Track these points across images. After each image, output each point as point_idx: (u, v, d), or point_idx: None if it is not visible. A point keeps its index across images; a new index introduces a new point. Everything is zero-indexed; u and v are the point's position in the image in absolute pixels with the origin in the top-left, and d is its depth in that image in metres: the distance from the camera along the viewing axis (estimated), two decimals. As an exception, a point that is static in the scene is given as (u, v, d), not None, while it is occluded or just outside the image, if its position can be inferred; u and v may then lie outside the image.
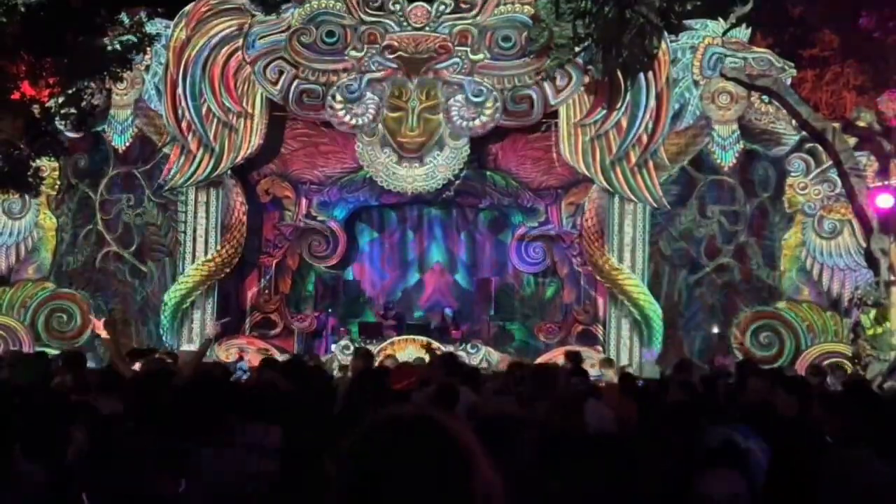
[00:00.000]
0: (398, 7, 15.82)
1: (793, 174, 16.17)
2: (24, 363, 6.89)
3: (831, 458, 3.36)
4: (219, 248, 16.20)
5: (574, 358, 10.25)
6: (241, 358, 14.24)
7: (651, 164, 15.78)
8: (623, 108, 15.61)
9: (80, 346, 14.95)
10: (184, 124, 16.00)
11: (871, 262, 15.32)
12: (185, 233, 16.34)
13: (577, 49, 12.42)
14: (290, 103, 15.90)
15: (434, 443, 1.55)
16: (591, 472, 3.48)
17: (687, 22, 15.30)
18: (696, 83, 16.02)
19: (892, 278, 14.71)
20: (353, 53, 15.82)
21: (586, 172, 15.85)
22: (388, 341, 15.36)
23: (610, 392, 8.19)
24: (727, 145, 16.06)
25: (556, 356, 14.31)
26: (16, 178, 12.98)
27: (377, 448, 1.55)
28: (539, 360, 13.19)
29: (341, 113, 15.73)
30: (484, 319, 16.89)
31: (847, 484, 3.20)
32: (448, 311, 16.76)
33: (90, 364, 8.81)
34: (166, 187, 16.36)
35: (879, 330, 14.96)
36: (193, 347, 14.36)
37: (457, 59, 15.64)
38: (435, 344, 14.31)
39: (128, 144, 16.55)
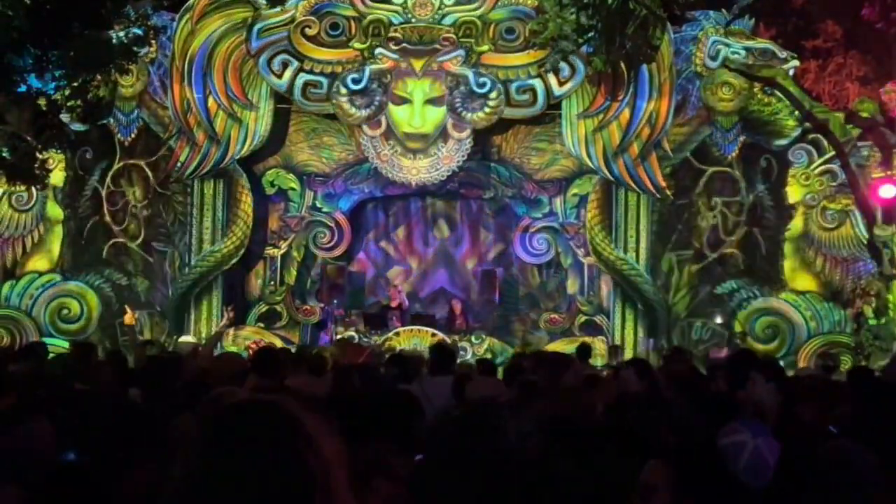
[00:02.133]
0: (402, -1, 15.87)
1: (795, 165, 16.22)
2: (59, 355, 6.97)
3: (825, 448, 3.44)
4: (224, 239, 16.27)
5: (582, 350, 10.46)
6: (246, 349, 14.34)
7: (654, 155, 15.83)
8: (626, 100, 15.65)
9: (86, 338, 15.06)
10: (189, 116, 16.05)
11: (875, 252, 15.40)
12: (190, 224, 16.40)
13: (580, 41, 12.48)
14: (294, 95, 15.96)
15: (272, 425, 1.67)
16: (596, 456, 3.56)
17: (689, 13, 15.37)
18: (698, 74, 16.06)
19: (894, 272, 14.77)
20: (357, 45, 15.86)
21: (589, 163, 15.90)
22: (393, 331, 15.46)
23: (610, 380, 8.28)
24: (730, 136, 16.12)
25: (561, 347, 14.40)
26: (23, 171, 13.06)
27: (218, 432, 1.68)
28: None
29: (346, 105, 15.78)
30: (488, 310, 16.97)
31: (837, 473, 3.29)
32: (453, 301, 16.83)
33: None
34: (172, 179, 16.43)
35: (883, 320, 15.04)
36: (192, 339, 14.45)
37: (461, 51, 15.68)
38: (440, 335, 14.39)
39: (133, 136, 16.60)
